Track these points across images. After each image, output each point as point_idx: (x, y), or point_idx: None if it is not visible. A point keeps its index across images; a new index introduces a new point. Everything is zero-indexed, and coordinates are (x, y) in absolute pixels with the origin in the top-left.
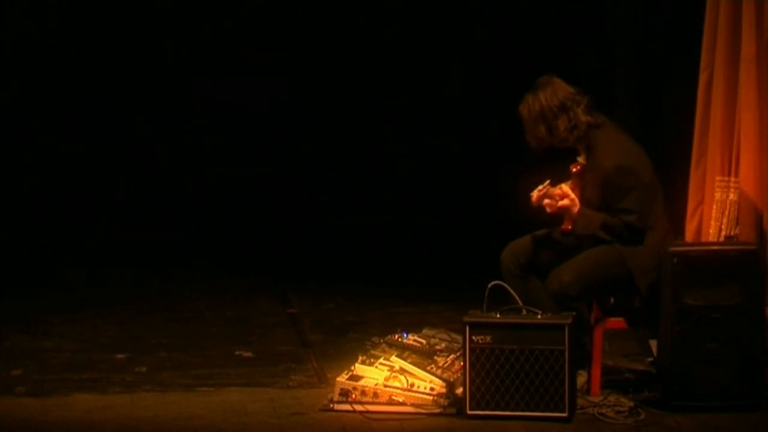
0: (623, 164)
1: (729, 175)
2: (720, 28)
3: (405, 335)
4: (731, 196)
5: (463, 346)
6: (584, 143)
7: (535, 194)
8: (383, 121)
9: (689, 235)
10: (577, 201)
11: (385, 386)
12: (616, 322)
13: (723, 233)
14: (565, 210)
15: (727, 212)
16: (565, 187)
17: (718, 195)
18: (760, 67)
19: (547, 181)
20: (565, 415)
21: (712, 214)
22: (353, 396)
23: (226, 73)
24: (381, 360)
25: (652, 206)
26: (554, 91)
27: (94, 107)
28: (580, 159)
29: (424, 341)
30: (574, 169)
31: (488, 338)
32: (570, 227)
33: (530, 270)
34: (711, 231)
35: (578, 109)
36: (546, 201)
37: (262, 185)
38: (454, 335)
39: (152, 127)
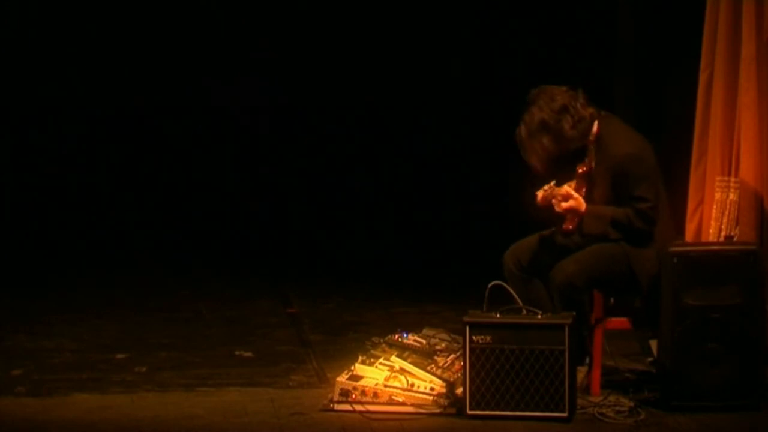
0: (634, 153)
1: (729, 175)
2: (720, 28)
3: (405, 335)
4: (731, 196)
5: (463, 346)
6: (593, 138)
7: (540, 194)
8: (383, 121)
9: (689, 235)
10: (582, 201)
11: (385, 386)
12: (617, 322)
13: (723, 233)
14: (572, 211)
15: (727, 212)
16: (569, 188)
17: (718, 195)
18: (760, 67)
19: (552, 182)
20: (565, 415)
21: (712, 214)
22: (353, 396)
23: (227, 74)
24: (381, 360)
25: (662, 200)
26: (551, 97)
27: (95, 107)
28: (589, 161)
29: (424, 341)
30: (580, 170)
31: (488, 338)
32: (571, 227)
33: (532, 271)
34: (711, 231)
35: (577, 104)
36: (554, 200)
37: (263, 185)
38: (454, 335)
39: (153, 127)
